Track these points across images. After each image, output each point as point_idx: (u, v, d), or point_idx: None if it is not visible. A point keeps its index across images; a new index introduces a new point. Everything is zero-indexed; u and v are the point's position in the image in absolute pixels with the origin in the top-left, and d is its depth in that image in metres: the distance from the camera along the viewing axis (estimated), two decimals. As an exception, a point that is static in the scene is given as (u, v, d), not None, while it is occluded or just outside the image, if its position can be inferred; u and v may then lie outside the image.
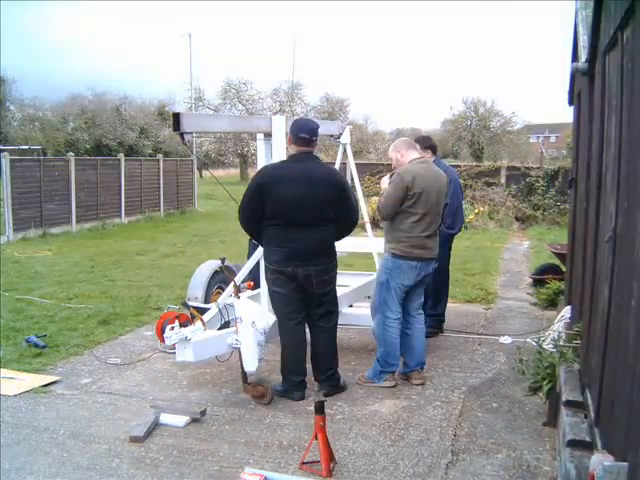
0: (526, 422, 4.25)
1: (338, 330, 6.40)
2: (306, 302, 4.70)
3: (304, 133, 4.69)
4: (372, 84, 79.93)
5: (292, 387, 4.64)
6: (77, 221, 15.73)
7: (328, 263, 4.69)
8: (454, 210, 6.04)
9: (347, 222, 4.85)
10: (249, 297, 5.75)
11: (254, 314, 4.54)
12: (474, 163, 22.74)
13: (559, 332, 5.15)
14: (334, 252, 4.77)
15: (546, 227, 16.37)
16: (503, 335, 6.33)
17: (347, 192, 4.80)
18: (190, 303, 5.40)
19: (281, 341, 4.77)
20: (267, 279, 4.78)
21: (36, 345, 5.71)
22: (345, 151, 6.82)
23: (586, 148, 4.83)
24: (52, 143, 34.38)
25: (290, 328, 4.68)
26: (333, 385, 4.75)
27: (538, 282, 8.43)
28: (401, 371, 5.03)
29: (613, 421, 2.68)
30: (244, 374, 4.56)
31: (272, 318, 4.68)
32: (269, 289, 4.80)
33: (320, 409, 3.53)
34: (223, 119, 6.02)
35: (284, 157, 5.47)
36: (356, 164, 7.12)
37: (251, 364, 4.48)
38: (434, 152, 6.12)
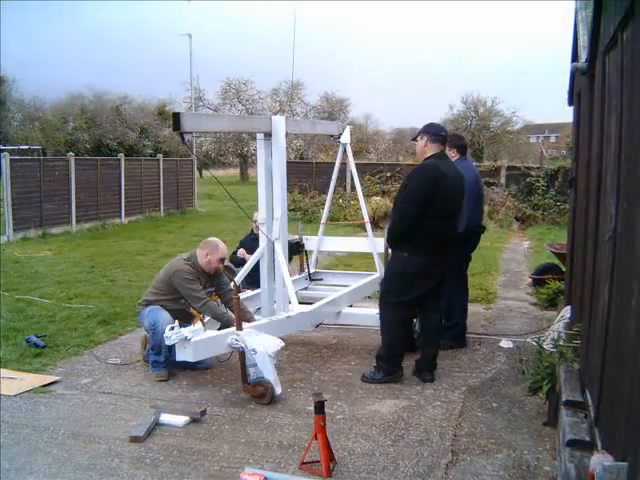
0: (526, 422, 4.25)
1: (338, 330, 6.44)
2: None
3: (443, 131, 5.14)
4: (372, 84, 79.92)
5: (396, 368, 5.03)
6: (77, 221, 15.72)
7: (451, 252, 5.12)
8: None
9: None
10: (249, 297, 5.78)
11: (265, 343, 4.53)
12: (474, 163, 22.75)
13: (559, 332, 5.15)
14: None
15: (546, 227, 16.37)
16: (505, 335, 6.32)
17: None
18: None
19: (389, 325, 5.05)
20: (407, 274, 4.94)
21: (36, 345, 5.71)
22: (345, 151, 6.82)
23: (586, 148, 4.83)
24: (52, 143, 34.38)
25: (406, 313, 5.14)
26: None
27: (538, 282, 8.43)
28: None
29: (613, 421, 2.68)
30: (244, 374, 4.56)
31: (280, 341, 4.68)
32: (402, 277, 4.97)
33: (320, 409, 3.53)
34: (223, 119, 5.93)
35: (284, 157, 5.48)
36: (356, 164, 7.13)
37: (277, 387, 4.53)
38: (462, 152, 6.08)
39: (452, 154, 5.87)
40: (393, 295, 5.01)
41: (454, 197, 4.97)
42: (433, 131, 5.04)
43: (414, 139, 5.18)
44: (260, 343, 4.51)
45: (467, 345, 6.03)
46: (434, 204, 4.77)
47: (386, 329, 5.08)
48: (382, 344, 5.11)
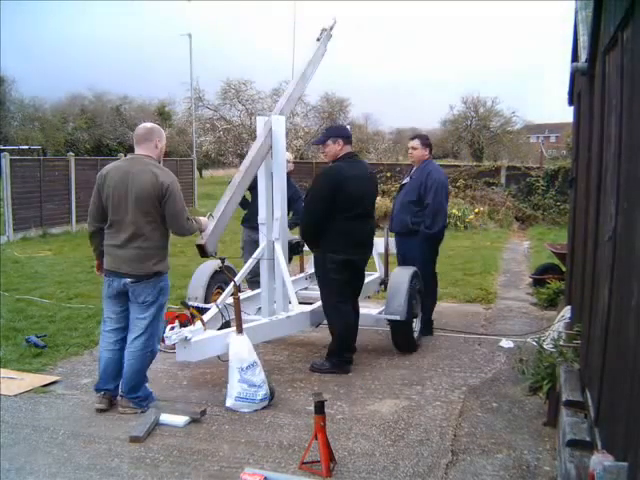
0: (526, 422, 4.25)
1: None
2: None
3: (349, 132, 5.55)
4: (372, 83, 79.87)
5: (344, 362, 5.27)
6: (77, 221, 15.72)
7: (371, 251, 5.62)
8: (433, 210, 6.04)
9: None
10: (249, 297, 5.79)
11: (240, 354, 4.46)
12: (474, 163, 22.76)
13: (559, 332, 5.14)
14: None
15: (546, 227, 16.37)
16: (505, 335, 6.31)
17: None
18: (190, 303, 5.40)
19: (336, 323, 5.28)
20: (325, 269, 5.20)
21: (36, 345, 5.71)
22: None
23: (586, 148, 4.83)
24: (52, 143, 34.42)
25: (347, 311, 5.27)
26: None
27: (538, 282, 8.43)
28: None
29: (613, 421, 2.68)
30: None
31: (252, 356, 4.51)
32: (330, 278, 5.18)
33: (320, 409, 3.53)
34: (232, 191, 4.60)
35: (284, 157, 5.49)
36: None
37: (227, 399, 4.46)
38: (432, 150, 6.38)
39: (425, 153, 6.11)
40: (330, 296, 5.27)
41: (364, 196, 5.23)
42: (346, 134, 5.40)
43: (321, 142, 5.37)
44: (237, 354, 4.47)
45: (433, 335, 6.31)
46: (339, 203, 5.02)
47: (334, 328, 5.32)
48: (332, 340, 5.35)
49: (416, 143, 6.27)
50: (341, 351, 5.28)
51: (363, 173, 5.30)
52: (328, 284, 5.25)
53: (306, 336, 6.17)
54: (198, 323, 4.65)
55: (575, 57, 5.72)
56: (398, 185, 7.09)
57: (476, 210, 16.68)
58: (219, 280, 6.05)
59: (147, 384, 4.49)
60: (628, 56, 2.72)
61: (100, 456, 3.74)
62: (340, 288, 5.20)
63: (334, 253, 5.12)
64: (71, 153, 17.76)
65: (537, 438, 3.99)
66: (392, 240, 6.58)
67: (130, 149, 4.68)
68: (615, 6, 3.07)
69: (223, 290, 5.71)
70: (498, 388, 4.91)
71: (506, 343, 6.08)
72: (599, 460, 2.26)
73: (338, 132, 5.40)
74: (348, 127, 6.07)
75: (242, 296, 5.23)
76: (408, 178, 6.39)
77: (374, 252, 6.65)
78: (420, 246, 6.10)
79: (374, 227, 5.55)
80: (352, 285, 5.31)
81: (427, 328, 6.26)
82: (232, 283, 4.93)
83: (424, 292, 6.07)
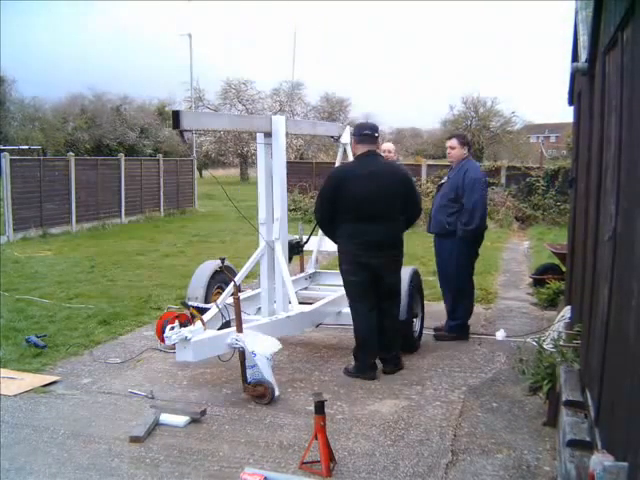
0: (526, 422, 4.25)
1: (339, 330, 6.44)
2: (375, 289, 5.11)
3: (367, 130, 5.20)
4: (372, 83, 79.89)
5: (366, 368, 5.08)
6: (77, 221, 15.73)
7: (395, 254, 5.14)
8: (469, 209, 5.93)
9: (412, 214, 5.33)
10: (249, 297, 5.78)
11: (263, 344, 4.56)
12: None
13: (559, 332, 5.14)
14: (402, 243, 5.23)
15: (546, 227, 16.36)
16: (507, 336, 6.30)
17: (412, 186, 5.39)
18: (190, 303, 5.40)
19: (353, 324, 5.19)
20: (341, 270, 5.21)
21: (36, 345, 5.71)
22: (345, 151, 6.82)
23: (586, 148, 4.83)
24: (52, 143, 34.41)
25: (362, 313, 5.12)
26: (396, 364, 5.24)
27: (538, 282, 8.43)
28: None
29: (613, 421, 2.68)
30: (244, 374, 4.56)
31: (277, 343, 4.68)
32: (343, 279, 5.21)
33: (320, 409, 3.53)
34: (223, 118, 5.76)
35: (284, 157, 5.48)
36: (356, 164, 7.12)
37: (275, 388, 4.56)
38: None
39: (464, 152, 6.19)
40: (347, 296, 5.29)
41: (370, 196, 4.95)
42: (357, 132, 5.31)
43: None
44: (259, 344, 4.51)
45: (468, 340, 6.18)
46: (339, 204, 5.00)
47: (353, 329, 5.25)
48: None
49: (454, 142, 6.17)
50: (362, 355, 5.12)
51: (373, 173, 4.99)
52: (344, 284, 5.25)
53: (306, 336, 6.17)
54: (198, 323, 4.65)
55: (575, 57, 5.71)
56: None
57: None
58: (219, 280, 6.06)
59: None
60: (628, 56, 2.72)
61: (100, 456, 3.74)
62: (354, 289, 5.15)
63: (345, 254, 5.13)
64: (71, 153, 17.74)
65: (537, 438, 3.99)
66: None
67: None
68: (615, 6, 3.07)
69: (223, 290, 5.71)
70: (498, 388, 4.91)
71: (500, 334, 6.14)
72: (599, 460, 2.26)
73: (353, 131, 5.45)
74: (375, 125, 5.50)
75: (242, 296, 5.23)
76: (446, 178, 6.36)
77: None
78: (458, 246, 5.98)
79: (394, 228, 5.13)
80: (366, 286, 5.07)
81: (464, 332, 6.20)
82: (232, 283, 4.93)
83: (460, 295, 6.06)
